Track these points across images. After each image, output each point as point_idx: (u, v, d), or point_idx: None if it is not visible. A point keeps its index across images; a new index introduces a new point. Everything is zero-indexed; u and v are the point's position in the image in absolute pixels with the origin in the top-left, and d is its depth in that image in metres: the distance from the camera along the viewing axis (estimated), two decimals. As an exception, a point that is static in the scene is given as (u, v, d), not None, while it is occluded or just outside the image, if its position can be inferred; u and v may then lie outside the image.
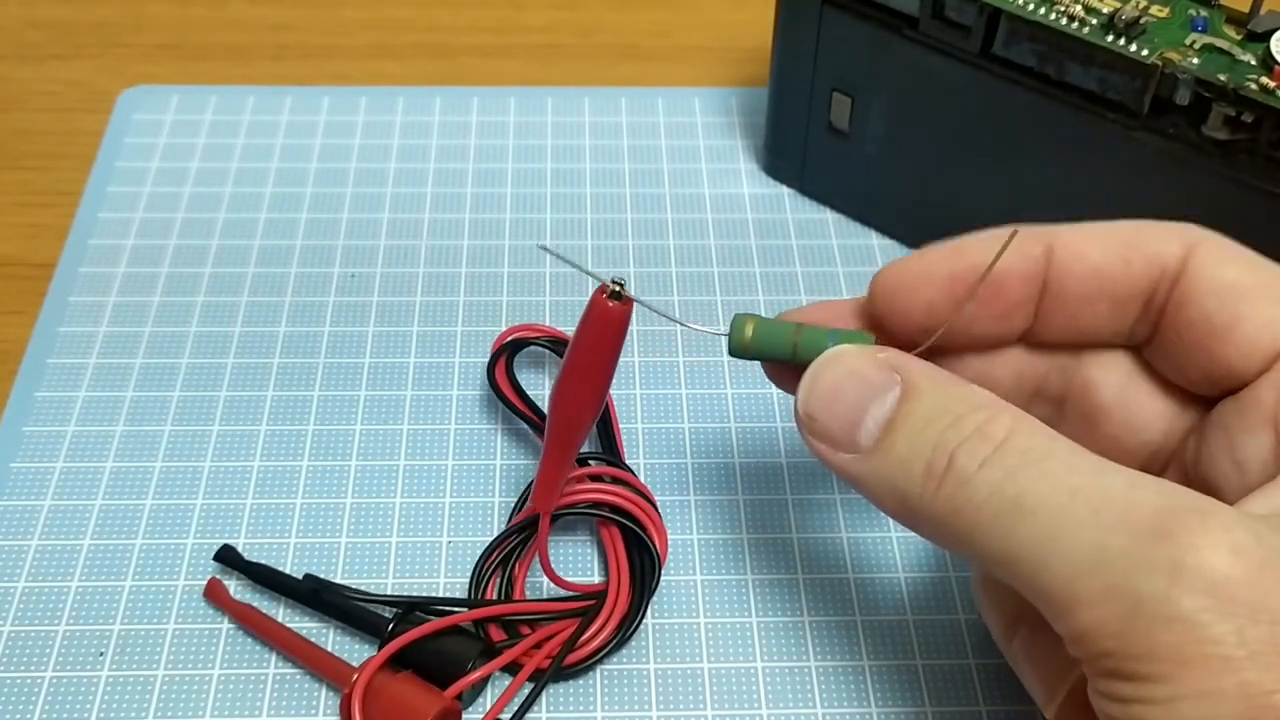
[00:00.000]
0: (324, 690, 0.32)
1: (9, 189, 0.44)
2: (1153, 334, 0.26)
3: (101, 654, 0.32)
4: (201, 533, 0.34)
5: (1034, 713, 0.31)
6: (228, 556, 0.33)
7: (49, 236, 0.42)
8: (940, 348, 0.27)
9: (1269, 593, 0.20)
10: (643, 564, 0.33)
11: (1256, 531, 0.21)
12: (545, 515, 0.31)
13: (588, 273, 0.27)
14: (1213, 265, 0.25)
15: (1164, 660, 0.20)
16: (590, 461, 0.35)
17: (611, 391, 0.36)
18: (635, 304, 0.27)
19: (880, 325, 0.27)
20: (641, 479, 0.35)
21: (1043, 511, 0.22)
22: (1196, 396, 0.26)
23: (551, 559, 0.33)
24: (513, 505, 0.35)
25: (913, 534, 0.35)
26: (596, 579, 0.34)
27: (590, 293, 0.27)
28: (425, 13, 0.52)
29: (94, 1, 0.51)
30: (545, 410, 0.36)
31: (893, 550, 0.35)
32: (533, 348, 0.38)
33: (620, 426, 0.36)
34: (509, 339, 0.37)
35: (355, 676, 0.30)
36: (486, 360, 0.38)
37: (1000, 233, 0.26)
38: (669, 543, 0.34)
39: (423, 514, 0.35)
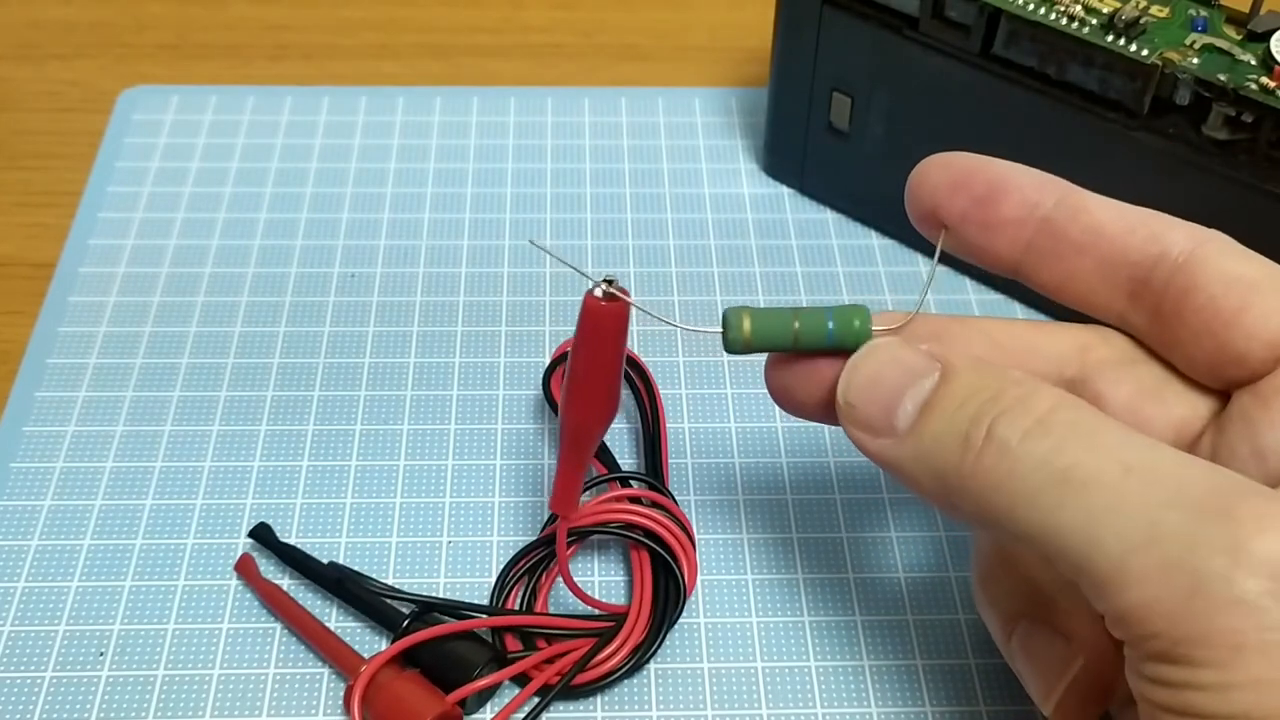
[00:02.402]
0: (324, 690, 0.32)
1: (9, 189, 0.44)
2: (1152, 321, 0.26)
3: (101, 654, 0.32)
4: (201, 533, 0.34)
5: (1034, 713, 0.31)
6: (262, 535, 0.34)
7: (49, 236, 0.42)
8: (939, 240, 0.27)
9: None
10: (667, 592, 0.32)
11: None
12: (564, 520, 0.31)
13: (578, 271, 0.27)
14: (1220, 258, 0.25)
15: (1219, 645, 0.20)
16: (632, 482, 0.34)
17: (664, 414, 0.36)
18: (629, 302, 0.26)
19: (908, 206, 0.28)
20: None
21: (1095, 485, 0.22)
22: (1205, 401, 0.26)
23: (582, 576, 0.34)
24: (518, 506, 0.35)
25: (913, 534, 0.35)
26: (624, 601, 0.33)
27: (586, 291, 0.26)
28: (425, 13, 0.52)
29: (94, 1, 0.51)
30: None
31: (893, 550, 0.35)
32: None
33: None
34: (565, 351, 0.37)
35: (362, 669, 0.30)
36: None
37: (1037, 170, 0.27)
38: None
39: (422, 514, 0.35)
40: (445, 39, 0.51)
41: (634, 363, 0.37)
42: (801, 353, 0.26)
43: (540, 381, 0.37)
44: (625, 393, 0.37)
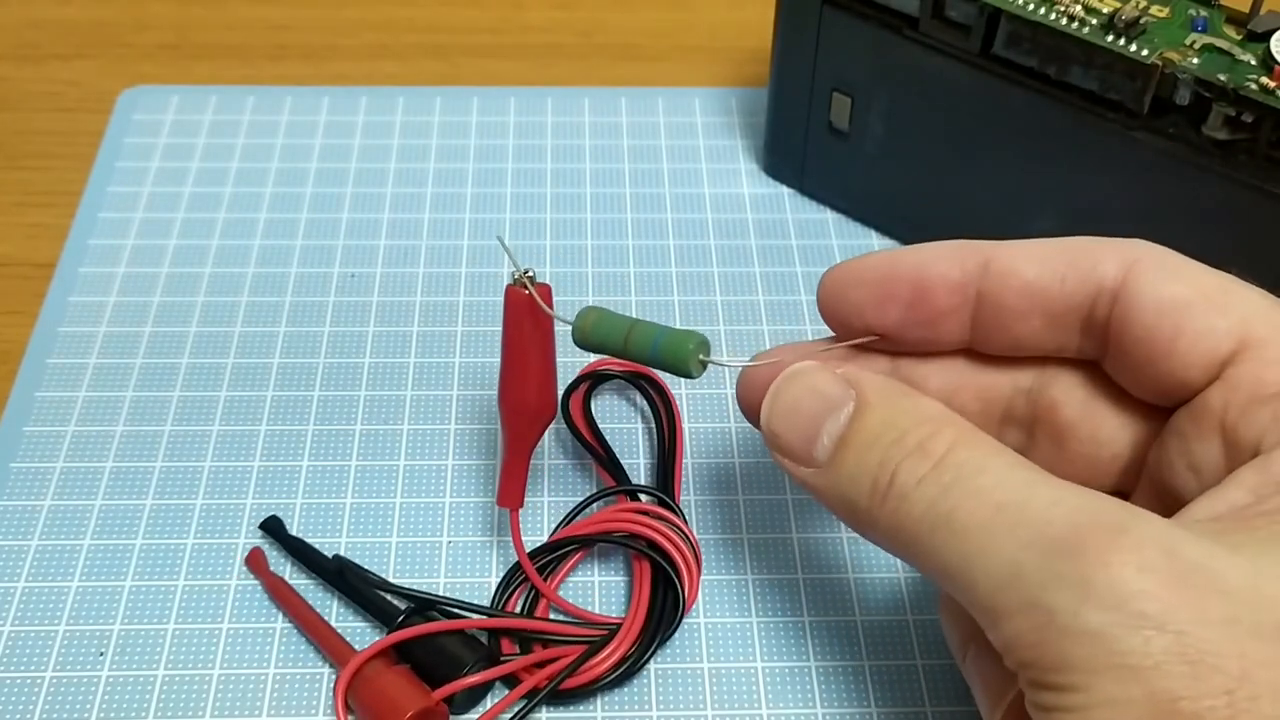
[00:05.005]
0: (324, 690, 0.32)
1: (9, 189, 0.44)
2: (1104, 349, 0.26)
3: (101, 654, 0.32)
4: (201, 533, 0.34)
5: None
6: (272, 528, 0.34)
7: (49, 236, 0.42)
8: (883, 351, 0.28)
9: (1175, 606, 0.21)
10: (665, 603, 0.32)
11: (1169, 546, 0.21)
12: (513, 511, 0.32)
13: (512, 259, 0.29)
14: (1151, 281, 0.25)
15: (1077, 671, 0.21)
16: (642, 496, 0.35)
17: (681, 432, 0.36)
18: (540, 291, 0.28)
19: (827, 324, 0.28)
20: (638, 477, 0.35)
21: (970, 528, 0.23)
22: (1157, 408, 0.27)
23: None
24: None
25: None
26: (623, 612, 0.33)
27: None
28: (425, 13, 0.52)
29: (94, 1, 0.51)
30: (609, 446, 0.36)
31: (893, 550, 0.35)
32: (616, 380, 0.37)
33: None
34: (592, 370, 0.37)
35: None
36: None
37: (948, 244, 0.27)
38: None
39: (423, 514, 0.35)
40: (445, 39, 0.51)
41: (653, 380, 0.37)
42: (636, 360, 0.27)
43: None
44: (641, 401, 0.37)
